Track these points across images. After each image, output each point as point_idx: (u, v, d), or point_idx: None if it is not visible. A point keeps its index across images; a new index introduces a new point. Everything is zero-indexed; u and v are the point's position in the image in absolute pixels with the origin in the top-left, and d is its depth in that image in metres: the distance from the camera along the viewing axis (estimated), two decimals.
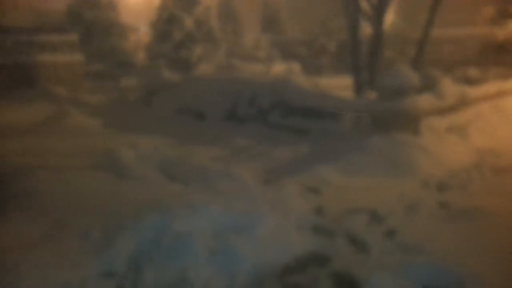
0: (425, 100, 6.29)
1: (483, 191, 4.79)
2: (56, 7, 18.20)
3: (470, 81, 8.36)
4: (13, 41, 11.58)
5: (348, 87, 9.17)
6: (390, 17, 8.88)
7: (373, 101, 6.65)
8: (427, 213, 4.20)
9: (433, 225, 3.89)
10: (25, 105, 8.31)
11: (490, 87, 7.87)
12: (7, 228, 3.35)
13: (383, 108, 6.17)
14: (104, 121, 8.08)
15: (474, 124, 6.72)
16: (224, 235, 3.42)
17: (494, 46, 12.14)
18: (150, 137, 6.81)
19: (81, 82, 12.37)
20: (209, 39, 15.37)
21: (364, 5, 8.80)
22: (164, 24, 15.15)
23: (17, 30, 12.47)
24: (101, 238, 3.31)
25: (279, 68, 13.25)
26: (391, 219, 4.03)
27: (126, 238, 3.25)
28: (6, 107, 7.81)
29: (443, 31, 13.78)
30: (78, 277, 2.86)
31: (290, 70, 12.85)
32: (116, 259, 3.11)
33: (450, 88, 6.82)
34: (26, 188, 4.04)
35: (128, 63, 16.58)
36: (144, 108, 9.51)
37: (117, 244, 3.18)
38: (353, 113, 6.60)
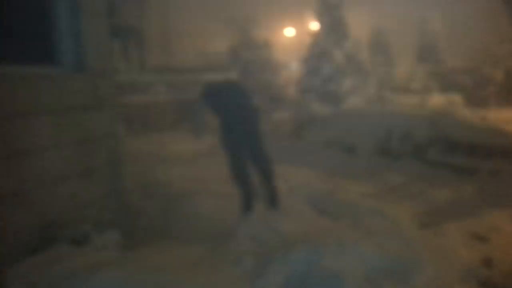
0: None
1: None
2: (218, 48, 20.24)
3: None
4: (182, 80, 13.16)
5: None
6: None
7: None
8: None
9: None
10: (190, 137, 9.25)
11: None
12: (170, 248, 3.65)
13: None
14: None
15: None
16: (377, 279, 3.19)
17: None
18: (300, 169, 6.89)
19: None
20: (358, 71, 15.25)
21: None
22: (315, 60, 15.55)
23: (186, 70, 14.16)
24: (252, 267, 3.38)
25: (437, 100, 12.34)
26: None
27: (276, 269, 3.26)
28: (175, 138, 8.80)
29: None
30: None
31: (450, 102, 11.85)
32: None
33: None
34: (188, 211, 4.41)
35: (279, 98, 17.38)
36: (294, 140, 9.74)
37: (268, 275, 3.21)
38: None
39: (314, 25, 16.98)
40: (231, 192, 5.25)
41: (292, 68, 21.69)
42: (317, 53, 15.50)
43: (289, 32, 29.91)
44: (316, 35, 15.77)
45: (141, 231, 4.11)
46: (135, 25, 15.14)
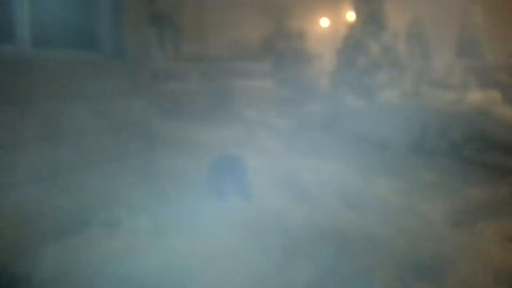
0: None
1: None
2: (252, 38, 20.20)
3: None
4: (216, 69, 13.25)
5: None
6: None
7: None
8: None
9: None
10: (221, 125, 9.32)
11: None
12: (200, 236, 3.67)
13: None
14: (287, 144, 8.45)
15: None
16: (409, 277, 3.14)
17: None
18: (330, 163, 6.82)
19: (269, 106, 13.37)
20: (394, 65, 14.87)
21: None
22: (349, 51, 15.26)
23: (220, 59, 14.23)
24: (281, 259, 3.39)
25: (475, 96, 11.93)
26: None
27: (305, 263, 3.26)
28: (206, 126, 8.89)
29: None
30: None
31: (490, 99, 11.43)
32: (294, 282, 3.13)
33: None
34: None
35: (312, 89, 17.21)
36: (325, 133, 9.65)
37: (296, 268, 3.21)
38: None
39: (351, 16, 16.67)
40: (263, 181, 5.27)
41: (325, 59, 21.40)
42: (352, 44, 15.19)
43: (325, 22, 29.44)
44: (352, 26, 15.46)
45: (172, 217, 4.17)
46: (170, 14, 15.28)
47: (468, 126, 6.97)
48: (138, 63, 4.23)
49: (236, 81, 13.02)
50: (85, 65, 3.62)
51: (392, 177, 6.01)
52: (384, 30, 14.96)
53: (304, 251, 3.39)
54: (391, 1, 15.61)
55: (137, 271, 3.00)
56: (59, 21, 3.57)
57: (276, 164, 6.49)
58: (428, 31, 18.07)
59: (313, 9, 26.72)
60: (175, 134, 7.81)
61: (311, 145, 8.56)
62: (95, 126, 3.67)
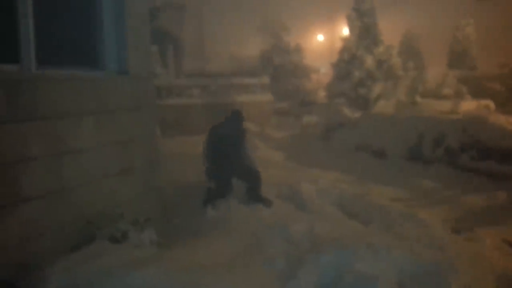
0: None
1: None
2: (251, 53, 20.46)
3: None
4: (216, 84, 13.43)
5: None
6: None
7: None
8: None
9: None
10: None
11: None
12: (203, 247, 3.75)
13: None
14: (287, 155, 8.54)
15: None
16: (409, 284, 3.19)
17: None
18: (329, 173, 6.91)
19: (268, 119, 13.53)
20: (389, 76, 15.06)
21: None
22: (345, 64, 15.47)
23: (220, 75, 14.44)
24: (284, 268, 3.44)
25: (468, 105, 12.06)
26: None
27: (308, 272, 3.30)
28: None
29: None
30: None
31: (483, 108, 11.57)
32: None
33: None
34: (222, 214, 4.52)
35: (309, 102, 17.38)
36: (324, 144, 9.75)
37: (300, 277, 3.25)
38: None
39: (346, 31, 16.92)
40: (264, 191, 5.34)
41: (321, 72, 21.64)
42: (348, 58, 15.41)
43: (321, 37, 29.84)
44: (347, 41, 15.68)
45: (176, 229, 4.23)
46: (172, 31, 15.50)
47: (463, 134, 7.06)
48: (141, 79, 4.32)
49: (236, 95, 13.22)
50: (89, 83, 3.70)
51: (390, 185, 6.09)
52: (378, 43, 15.19)
53: (306, 260, 3.44)
54: (384, 16, 15.87)
55: (143, 285, 3.03)
56: (64, 39, 3.65)
57: (276, 175, 6.56)
58: (421, 43, 18.33)
59: (309, 25, 27.09)
60: (177, 148, 7.89)
61: (310, 155, 8.65)
62: (99, 141, 3.74)
